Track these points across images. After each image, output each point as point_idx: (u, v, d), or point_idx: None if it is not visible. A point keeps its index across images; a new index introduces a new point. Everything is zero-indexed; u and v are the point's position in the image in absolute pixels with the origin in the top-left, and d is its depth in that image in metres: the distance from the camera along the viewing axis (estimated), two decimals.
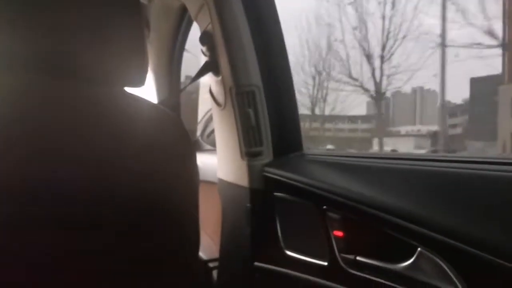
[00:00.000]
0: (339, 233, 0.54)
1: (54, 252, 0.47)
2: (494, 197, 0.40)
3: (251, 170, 0.74)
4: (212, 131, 1.46)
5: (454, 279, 0.39)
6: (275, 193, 0.69)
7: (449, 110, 7.70)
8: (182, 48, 1.27)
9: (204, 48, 0.82)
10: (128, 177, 0.51)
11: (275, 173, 0.70)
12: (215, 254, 0.93)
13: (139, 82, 0.60)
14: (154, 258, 0.56)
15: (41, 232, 0.46)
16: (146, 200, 0.52)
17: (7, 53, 0.49)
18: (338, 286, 0.54)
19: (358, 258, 0.51)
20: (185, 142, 0.62)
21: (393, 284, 0.45)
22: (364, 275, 0.49)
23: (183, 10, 1.05)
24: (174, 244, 0.58)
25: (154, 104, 0.60)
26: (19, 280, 0.46)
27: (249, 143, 0.74)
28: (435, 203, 0.44)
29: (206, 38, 0.80)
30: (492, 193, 0.41)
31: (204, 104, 1.64)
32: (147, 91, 1.43)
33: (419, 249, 0.42)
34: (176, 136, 0.60)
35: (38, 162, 0.46)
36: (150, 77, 1.43)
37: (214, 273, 0.96)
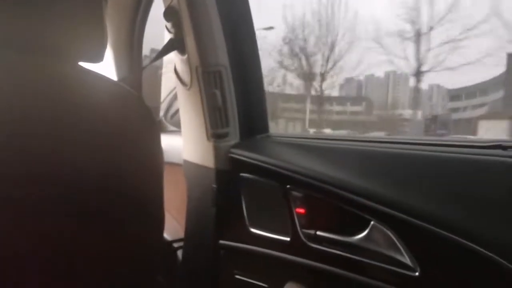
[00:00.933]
0: (301, 210, 0.57)
1: (14, 234, 0.45)
2: (436, 174, 0.45)
3: (217, 151, 0.75)
4: (176, 112, 1.43)
5: (402, 249, 0.43)
6: (241, 174, 0.71)
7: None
8: (143, 23, 1.21)
9: (168, 25, 0.79)
10: (87, 157, 0.50)
11: (241, 154, 0.71)
12: (180, 235, 0.94)
13: (97, 57, 0.57)
14: (118, 239, 0.55)
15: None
16: (106, 183, 0.51)
17: None
18: (300, 259, 0.57)
19: (318, 232, 0.54)
20: (148, 122, 0.60)
21: (349, 255, 0.49)
22: (324, 248, 0.53)
23: None
24: (138, 226, 0.57)
25: (114, 81, 0.58)
26: None
27: (215, 124, 0.74)
28: (387, 181, 0.48)
29: (171, 14, 0.77)
30: (435, 171, 0.46)
31: (168, 82, 1.59)
32: (106, 68, 1.35)
33: (372, 222, 0.46)
34: (139, 115, 0.59)
35: None
36: (109, 53, 1.35)
37: (179, 253, 0.97)
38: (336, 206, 0.52)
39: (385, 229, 0.45)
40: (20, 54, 0.48)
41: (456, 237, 0.37)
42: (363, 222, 0.48)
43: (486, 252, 0.35)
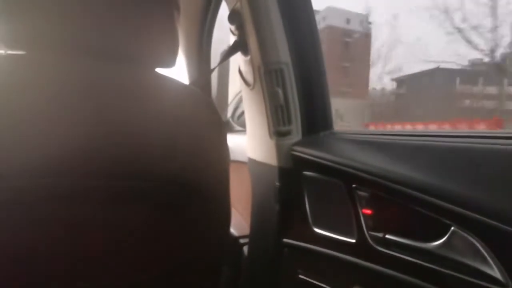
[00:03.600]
0: (367, 211, 0.54)
1: (81, 224, 0.51)
2: None
3: (279, 149, 0.75)
4: (242, 113, 1.47)
5: (489, 258, 0.38)
6: (304, 172, 0.69)
7: None
8: (211, 28, 1.27)
9: (232, 27, 0.81)
10: (160, 156, 0.53)
11: (303, 151, 0.70)
12: (246, 231, 0.96)
13: (170, 63, 0.61)
14: (186, 233, 0.59)
15: (68, 204, 0.49)
16: (178, 179, 0.54)
17: (39, 33, 0.51)
18: (366, 263, 0.54)
19: (387, 236, 0.50)
20: (216, 123, 0.63)
21: (424, 263, 0.45)
22: (393, 253, 0.49)
23: None
24: (205, 221, 0.60)
25: (186, 85, 0.61)
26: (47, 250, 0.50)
27: (277, 122, 0.74)
28: (467, 181, 0.42)
29: (234, 17, 0.79)
30: None
31: (234, 85, 1.65)
32: (178, 72, 1.46)
33: (452, 227, 0.41)
34: (208, 117, 0.61)
35: (71, 138, 0.49)
36: (180, 59, 1.45)
37: (245, 249, 1.00)
38: (408, 208, 0.47)
39: (468, 236, 0.40)
40: (98, 61, 0.53)
41: None
42: (441, 227, 0.43)
43: None
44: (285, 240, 0.74)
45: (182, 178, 0.55)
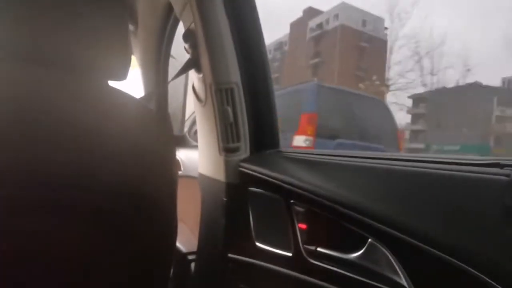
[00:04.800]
0: (303, 226, 0.57)
1: (23, 236, 0.49)
2: (446, 196, 0.44)
3: (227, 165, 0.77)
4: None
5: (397, 268, 0.42)
6: (250, 188, 0.72)
7: None
8: (170, 43, 1.28)
9: (187, 45, 0.84)
10: (107, 171, 0.53)
11: (249, 168, 0.72)
12: (195, 247, 0.96)
13: (122, 75, 0.61)
14: (131, 250, 0.58)
15: (13, 215, 0.48)
16: (124, 194, 0.54)
17: None
18: (301, 276, 0.57)
19: (318, 249, 0.54)
20: (164, 137, 0.63)
21: (347, 273, 0.48)
22: (323, 265, 0.53)
23: (170, 7, 1.06)
24: (150, 235, 0.59)
25: (135, 98, 0.62)
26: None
27: (227, 139, 0.77)
28: (385, 197, 0.47)
29: (189, 36, 0.82)
30: (433, 188, 0.44)
31: (192, 101, 1.66)
32: (134, 84, 1.45)
33: (369, 240, 0.46)
34: (155, 131, 0.62)
35: (20, 150, 0.48)
36: (137, 71, 1.44)
37: (193, 265, 0.99)
38: (336, 222, 0.51)
39: (381, 247, 0.44)
40: (46, 69, 0.52)
41: (450, 258, 0.36)
42: (361, 240, 0.47)
43: (479, 274, 0.33)
44: (230, 255, 0.75)
45: (126, 191, 0.55)
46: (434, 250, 0.38)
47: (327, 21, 30.41)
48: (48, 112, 0.50)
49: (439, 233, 0.40)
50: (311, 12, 33.08)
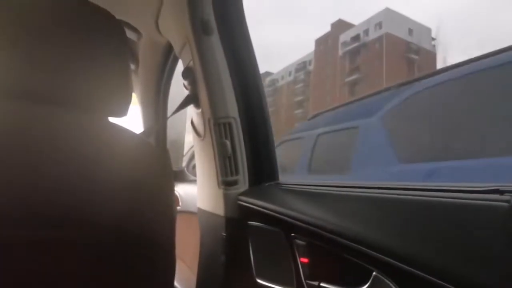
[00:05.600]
0: (305, 260, 0.56)
1: (20, 275, 0.47)
2: (449, 224, 0.43)
3: (226, 198, 0.76)
4: None
5: None
6: (249, 222, 0.71)
7: None
8: (169, 81, 1.33)
9: (186, 82, 0.87)
10: (104, 206, 0.52)
11: (248, 201, 0.72)
12: (194, 285, 0.92)
13: (122, 112, 0.62)
14: (128, 282, 0.56)
15: (13, 254, 0.47)
16: (122, 230, 0.53)
17: None
18: None
19: (322, 284, 0.52)
20: (162, 173, 0.63)
21: None
22: None
23: (170, 47, 1.11)
24: (147, 273, 0.58)
25: (136, 134, 0.62)
26: None
27: (225, 172, 0.77)
28: (391, 229, 0.46)
29: (188, 73, 0.85)
30: (447, 220, 0.44)
31: (191, 136, 1.68)
32: (135, 120, 1.47)
33: (374, 273, 0.44)
34: (154, 167, 0.62)
35: (18, 186, 0.47)
36: (137, 108, 1.47)
37: None
38: (338, 256, 0.50)
39: (387, 281, 0.43)
40: (47, 106, 0.53)
41: None
42: (365, 273, 0.46)
43: None
44: None
45: (125, 227, 0.54)
46: (441, 282, 0.37)
47: (366, 32, 26.31)
48: (48, 150, 0.51)
49: (445, 264, 0.38)
50: (341, 26, 29.54)
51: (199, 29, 0.76)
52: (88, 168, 0.52)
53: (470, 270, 0.35)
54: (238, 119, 0.77)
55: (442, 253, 0.39)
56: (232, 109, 0.77)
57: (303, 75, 35.29)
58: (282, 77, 39.41)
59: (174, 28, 0.93)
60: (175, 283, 1.02)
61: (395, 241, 0.44)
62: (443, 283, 0.36)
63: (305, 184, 0.75)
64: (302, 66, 35.85)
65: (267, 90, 39.69)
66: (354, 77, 27.61)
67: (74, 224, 0.50)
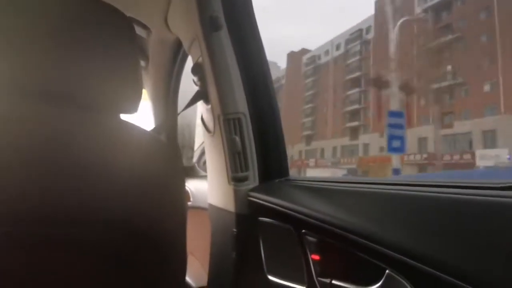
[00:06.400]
0: (316, 257, 0.55)
1: (30, 272, 0.48)
2: (463, 222, 0.42)
3: (236, 195, 0.76)
4: None
5: None
6: (259, 218, 0.70)
7: None
8: (179, 77, 1.33)
9: (195, 78, 0.87)
10: (116, 204, 0.53)
11: (259, 197, 0.71)
12: (205, 281, 0.93)
13: (133, 109, 0.62)
14: (140, 284, 0.56)
15: (27, 252, 0.48)
16: (133, 226, 0.54)
17: (1, 80, 0.51)
18: None
19: (334, 281, 0.51)
20: (173, 169, 0.63)
21: None
22: None
23: (179, 43, 1.11)
24: (158, 270, 0.58)
25: (147, 131, 0.63)
26: None
27: (235, 168, 0.77)
28: (404, 226, 0.45)
29: (197, 69, 0.85)
30: (460, 217, 0.42)
31: (201, 131, 1.68)
32: (146, 117, 1.48)
33: (387, 271, 0.43)
34: (165, 163, 0.62)
35: (31, 186, 0.48)
36: (148, 104, 1.48)
37: None
38: (351, 253, 0.49)
39: (400, 279, 0.42)
40: (57, 104, 0.53)
41: None
42: (378, 271, 0.45)
43: None
44: None
45: (136, 223, 0.54)
46: (457, 281, 0.36)
47: None
48: (59, 147, 0.51)
49: (462, 262, 0.37)
50: None
51: (208, 25, 0.75)
52: (99, 165, 0.53)
53: (486, 269, 0.34)
54: (248, 115, 0.77)
55: (459, 252, 0.38)
56: (241, 105, 0.76)
57: (359, 45, 29.75)
58: (327, 52, 33.70)
59: (183, 25, 0.92)
60: (187, 278, 1.03)
61: (410, 239, 0.43)
62: (460, 283, 0.35)
63: (316, 180, 0.74)
64: (357, 35, 30.26)
65: (305, 69, 35.40)
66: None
67: (85, 221, 0.50)
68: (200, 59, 0.82)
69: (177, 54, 1.20)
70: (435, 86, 21.80)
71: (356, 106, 29.31)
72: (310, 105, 34.83)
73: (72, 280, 0.50)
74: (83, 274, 0.51)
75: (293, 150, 32.35)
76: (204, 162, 1.62)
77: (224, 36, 0.76)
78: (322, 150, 31.38)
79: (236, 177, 0.76)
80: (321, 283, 0.54)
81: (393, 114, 7.18)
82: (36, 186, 0.48)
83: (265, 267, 0.68)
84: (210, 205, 0.92)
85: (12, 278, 0.47)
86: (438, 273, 0.38)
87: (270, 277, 0.66)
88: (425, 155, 20.44)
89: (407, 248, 0.42)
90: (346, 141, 29.19)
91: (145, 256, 0.56)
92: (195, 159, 1.70)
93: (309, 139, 33.61)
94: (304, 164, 30.95)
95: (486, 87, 19.61)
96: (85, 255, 0.51)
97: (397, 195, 0.53)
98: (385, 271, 0.44)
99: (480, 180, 0.45)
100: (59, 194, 0.49)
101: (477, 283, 0.34)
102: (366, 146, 26.76)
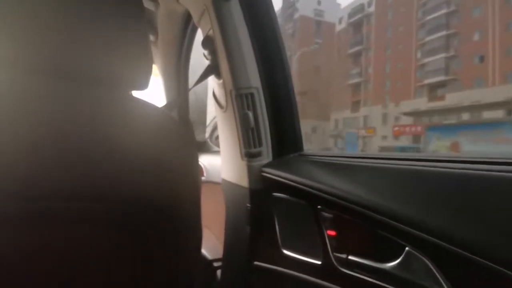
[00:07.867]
0: (332, 233, 0.55)
1: (43, 247, 0.50)
2: (482, 198, 0.40)
3: (250, 170, 0.76)
4: None
5: (440, 279, 0.39)
6: (274, 193, 0.70)
7: None
8: (189, 51, 1.30)
9: (206, 52, 0.84)
10: (129, 180, 0.53)
11: (273, 173, 0.71)
12: (220, 254, 0.95)
13: (143, 85, 0.61)
14: (156, 258, 0.58)
15: (40, 228, 0.49)
16: (148, 202, 0.54)
17: (11, 55, 0.51)
18: (332, 285, 0.54)
19: (350, 257, 0.51)
20: (186, 145, 0.63)
21: (382, 284, 0.46)
22: (356, 274, 0.50)
23: (188, 15, 1.07)
24: (174, 244, 0.59)
25: (159, 108, 0.62)
26: (19, 276, 0.48)
27: (248, 144, 0.76)
28: (424, 203, 0.44)
29: (207, 43, 0.82)
30: (480, 193, 0.41)
31: (213, 106, 1.66)
32: (158, 92, 1.47)
33: (407, 248, 0.43)
34: (177, 139, 0.62)
35: (40, 161, 0.49)
36: (159, 80, 1.46)
37: (219, 273, 0.98)
38: (368, 229, 0.49)
39: (421, 256, 0.41)
40: (73, 84, 0.53)
41: (499, 267, 0.33)
42: (397, 248, 0.44)
43: None
44: (255, 263, 0.74)
45: (151, 199, 0.55)
46: (480, 259, 0.35)
47: None
48: (70, 124, 0.51)
49: (483, 240, 0.36)
50: None
51: None
52: (111, 142, 0.53)
53: (509, 246, 0.33)
54: (261, 89, 0.75)
55: (483, 230, 0.37)
56: (254, 79, 0.74)
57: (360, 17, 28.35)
58: None
59: None
60: (202, 251, 1.05)
61: (430, 216, 0.42)
62: (485, 261, 0.35)
63: (330, 155, 0.73)
64: (359, 8, 28.96)
65: (349, 21, 32.37)
66: None
67: (98, 197, 0.51)
68: (211, 32, 0.79)
69: (186, 27, 1.16)
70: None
71: None
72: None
73: (87, 255, 0.52)
74: (97, 250, 0.52)
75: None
76: (217, 137, 1.62)
77: (234, 6, 0.73)
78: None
79: (249, 152, 0.76)
80: (337, 258, 0.54)
81: None
82: (45, 161, 0.48)
83: (280, 241, 0.68)
84: (224, 180, 0.92)
85: (16, 251, 0.48)
86: (460, 251, 0.37)
87: (285, 251, 0.67)
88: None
89: (428, 225, 0.41)
90: None
91: (161, 231, 0.56)
92: (207, 135, 1.70)
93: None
94: None
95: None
96: (98, 231, 0.52)
97: (417, 171, 0.51)
98: (404, 248, 0.43)
99: (504, 156, 0.42)
100: (69, 169, 0.50)
101: (500, 260, 0.33)
102: None
